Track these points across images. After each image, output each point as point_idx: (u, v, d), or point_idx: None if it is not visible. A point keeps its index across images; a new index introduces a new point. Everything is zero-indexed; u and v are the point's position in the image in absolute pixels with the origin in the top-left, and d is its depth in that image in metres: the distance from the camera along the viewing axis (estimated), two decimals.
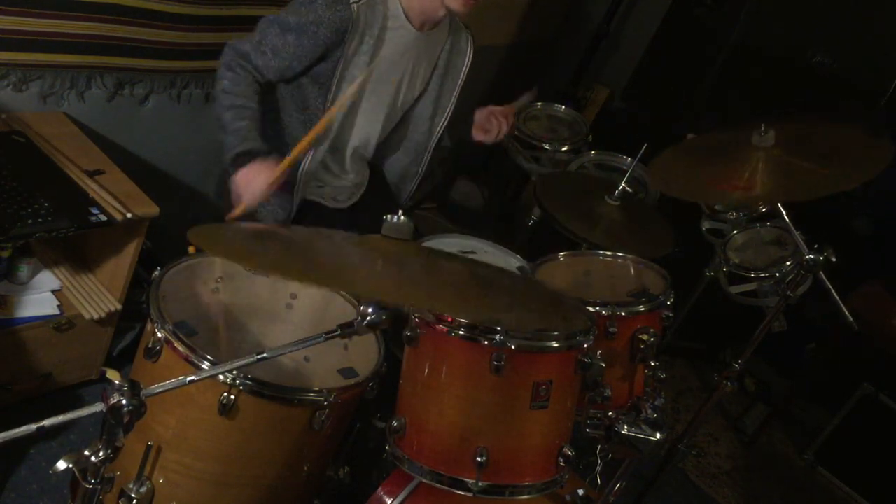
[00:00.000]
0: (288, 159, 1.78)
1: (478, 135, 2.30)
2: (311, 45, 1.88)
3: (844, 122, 1.84)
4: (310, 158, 2.03)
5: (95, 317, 2.09)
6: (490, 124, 2.25)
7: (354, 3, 1.87)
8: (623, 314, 1.81)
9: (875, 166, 1.73)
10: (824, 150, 1.88)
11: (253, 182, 1.80)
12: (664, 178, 2.03)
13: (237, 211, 1.81)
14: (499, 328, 1.46)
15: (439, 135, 2.25)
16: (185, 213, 2.56)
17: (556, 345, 1.52)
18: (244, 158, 1.83)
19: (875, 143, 1.80)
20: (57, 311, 2.08)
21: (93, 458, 1.08)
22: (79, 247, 2.25)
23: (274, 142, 1.99)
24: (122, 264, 2.14)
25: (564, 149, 3.10)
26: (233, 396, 1.40)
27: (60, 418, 1.01)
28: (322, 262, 1.30)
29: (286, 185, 1.94)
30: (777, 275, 2.42)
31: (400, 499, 1.63)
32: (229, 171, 1.85)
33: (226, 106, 1.89)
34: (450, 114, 2.23)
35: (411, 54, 2.05)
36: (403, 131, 2.23)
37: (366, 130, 2.12)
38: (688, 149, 2.11)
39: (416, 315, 1.55)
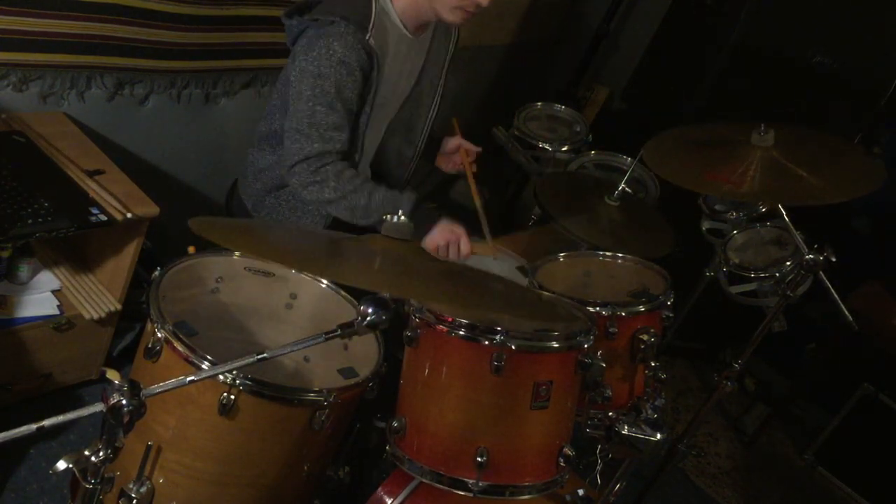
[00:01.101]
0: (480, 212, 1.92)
1: (440, 162, 2.35)
2: (353, 88, 1.87)
3: (844, 133, 1.86)
4: None
5: (95, 317, 2.09)
6: (455, 157, 2.32)
7: (369, 37, 1.86)
8: (623, 314, 1.81)
9: (867, 184, 1.75)
10: (820, 159, 1.89)
11: (457, 243, 1.91)
12: (658, 156, 2.03)
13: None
14: (499, 328, 1.46)
15: (433, 118, 2.24)
16: (185, 213, 2.56)
17: (556, 345, 1.52)
18: (417, 218, 1.80)
19: (870, 162, 1.82)
20: (57, 311, 2.08)
21: (93, 458, 1.08)
22: (79, 247, 2.25)
23: None
24: (122, 264, 2.14)
25: (564, 149, 3.09)
26: (233, 396, 1.40)
27: (60, 418, 1.01)
28: (321, 256, 1.30)
29: None
30: (777, 275, 2.41)
31: (400, 499, 1.63)
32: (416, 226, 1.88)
33: (352, 205, 1.88)
34: (440, 96, 2.23)
35: (410, 60, 2.06)
36: (397, 119, 2.23)
37: (371, 140, 2.13)
38: (687, 136, 2.12)
39: (417, 315, 1.55)
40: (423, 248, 1.82)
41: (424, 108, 2.22)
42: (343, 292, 1.79)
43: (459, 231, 1.92)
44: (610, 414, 1.71)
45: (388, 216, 1.31)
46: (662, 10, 3.69)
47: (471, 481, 1.49)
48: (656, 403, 1.58)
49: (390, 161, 2.28)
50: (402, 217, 1.29)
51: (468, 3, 1.90)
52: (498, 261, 2.17)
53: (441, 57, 2.19)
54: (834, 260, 1.89)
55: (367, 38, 1.85)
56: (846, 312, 2.03)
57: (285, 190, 2.06)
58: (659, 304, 1.87)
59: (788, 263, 2.42)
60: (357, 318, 1.24)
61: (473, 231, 2.15)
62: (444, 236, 1.90)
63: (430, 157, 2.35)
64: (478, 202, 2.16)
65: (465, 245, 1.91)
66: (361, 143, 2.00)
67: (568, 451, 1.54)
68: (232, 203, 2.22)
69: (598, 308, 1.79)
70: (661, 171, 2.02)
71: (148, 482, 1.46)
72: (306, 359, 1.85)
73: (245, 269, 1.77)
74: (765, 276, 2.45)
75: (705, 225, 2.84)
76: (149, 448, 1.43)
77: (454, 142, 2.31)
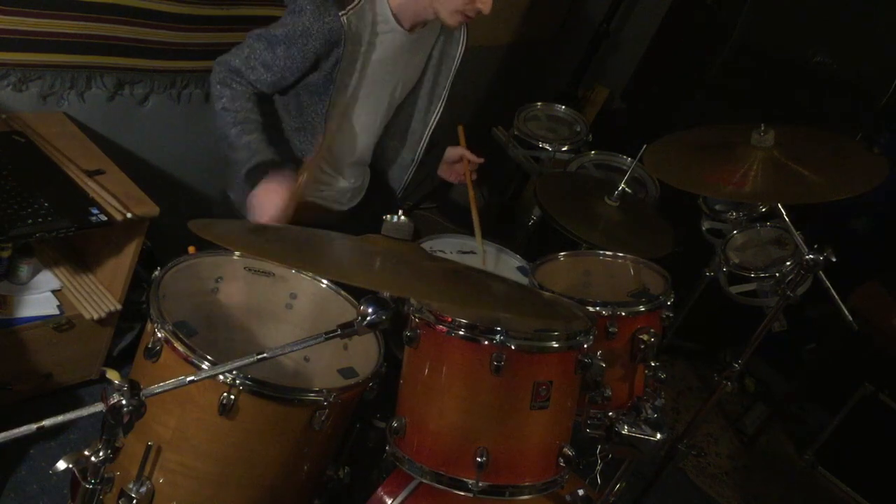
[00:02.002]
0: (300, 181, 1.78)
1: (443, 172, 2.33)
2: (301, 57, 1.87)
3: (844, 133, 1.86)
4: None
5: (95, 317, 2.09)
6: (458, 167, 2.30)
7: (343, 13, 1.86)
8: (623, 314, 1.81)
9: (869, 181, 1.75)
10: (821, 158, 1.89)
11: (271, 199, 1.79)
12: (659, 160, 2.04)
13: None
14: (499, 328, 1.46)
15: (434, 124, 2.24)
16: (185, 213, 2.56)
17: (556, 345, 1.51)
18: (258, 173, 1.81)
19: (872, 158, 1.82)
20: (57, 311, 2.08)
21: (93, 458, 1.08)
22: (79, 247, 2.25)
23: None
24: (122, 264, 2.14)
25: (564, 149, 3.10)
26: (233, 396, 1.40)
27: (60, 418, 1.01)
28: (320, 256, 1.30)
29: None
30: (777, 275, 2.41)
31: (400, 499, 1.63)
32: (243, 188, 1.84)
33: (229, 122, 1.86)
34: (444, 102, 2.22)
35: (404, 56, 2.05)
36: (398, 122, 2.22)
37: (363, 138, 2.12)
38: (687, 139, 2.12)
39: (417, 315, 1.55)
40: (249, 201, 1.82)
41: (424, 114, 2.22)
42: (343, 292, 1.79)
43: (276, 186, 1.80)
44: (610, 414, 1.70)
45: (388, 216, 1.30)
46: (662, 10, 3.69)
47: (471, 481, 1.49)
48: (656, 403, 1.58)
49: (390, 164, 2.29)
50: (402, 217, 1.29)
51: (470, 9, 1.91)
52: (498, 261, 2.18)
53: (448, 65, 2.19)
54: (834, 260, 1.89)
55: (341, 14, 1.86)
56: (846, 312, 2.03)
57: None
58: (659, 304, 1.87)
59: (788, 263, 2.42)
60: (357, 318, 1.24)
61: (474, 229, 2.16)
62: (260, 191, 1.81)
63: (432, 164, 2.34)
64: (475, 212, 2.16)
65: (276, 199, 1.79)
66: (324, 119, 1.97)
67: (568, 451, 1.54)
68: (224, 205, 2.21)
69: (598, 308, 1.79)
70: (661, 174, 2.03)
71: (148, 482, 1.46)
72: (306, 359, 1.85)
73: (245, 269, 1.77)
74: (765, 276, 2.45)
75: (705, 225, 2.84)
76: (149, 448, 1.43)
77: (457, 151, 2.29)
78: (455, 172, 2.33)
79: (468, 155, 2.28)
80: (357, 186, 2.25)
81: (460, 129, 2.33)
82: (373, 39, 1.96)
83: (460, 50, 2.20)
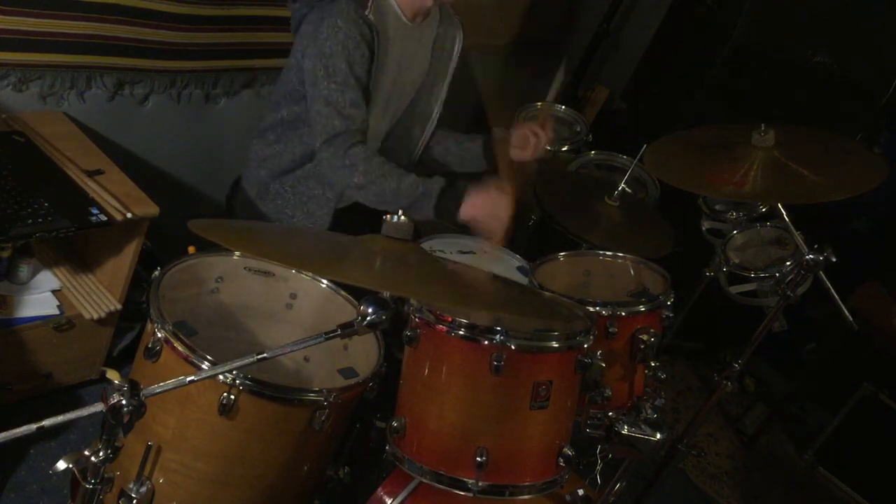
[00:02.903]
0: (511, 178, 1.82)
1: (516, 153, 2.19)
2: (364, 65, 1.88)
3: (844, 133, 1.86)
4: None
5: (95, 317, 2.09)
6: (527, 141, 2.17)
7: (368, 12, 1.88)
8: (623, 314, 1.81)
9: (870, 180, 1.75)
10: (821, 158, 1.89)
11: (496, 209, 1.83)
12: (658, 161, 2.04)
13: (496, 243, 1.86)
14: (499, 328, 1.46)
15: (433, 126, 2.23)
16: (185, 213, 2.56)
17: (556, 345, 1.51)
18: (450, 196, 1.83)
19: (872, 158, 1.82)
20: (57, 311, 2.08)
21: (93, 458, 1.08)
22: (79, 247, 2.25)
23: (301, 149, 2.02)
24: (122, 264, 2.14)
25: (564, 149, 3.10)
26: (233, 396, 1.40)
27: (60, 418, 1.01)
28: (321, 255, 1.30)
29: None
30: (777, 275, 2.41)
31: (400, 499, 1.63)
32: (438, 214, 1.87)
33: (376, 186, 1.85)
34: (443, 102, 2.22)
35: (409, 47, 2.06)
36: (401, 121, 2.22)
37: (373, 139, 2.12)
38: (687, 139, 2.12)
39: (417, 315, 1.55)
40: (465, 219, 1.83)
41: (423, 116, 2.21)
42: (343, 292, 1.79)
43: (501, 193, 1.85)
44: (610, 414, 1.70)
45: (388, 216, 1.31)
46: (662, 10, 3.69)
47: (471, 481, 1.49)
48: (656, 403, 1.58)
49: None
50: (403, 217, 1.29)
51: None
52: (498, 260, 2.17)
53: (444, 64, 2.19)
54: (834, 260, 1.89)
55: (367, 13, 1.87)
56: (846, 312, 2.03)
57: (291, 175, 2.06)
58: (659, 304, 1.87)
59: (788, 263, 2.42)
60: (357, 318, 1.24)
61: None
62: (483, 201, 1.85)
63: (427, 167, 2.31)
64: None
65: (505, 207, 1.84)
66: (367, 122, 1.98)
67: (568, 451, 1.54)
68: (234, 198, 2.21)
69: (598, 308, 1.79)
70: (662, 175, 2.03)
71: (148, 482, 1.46)
72: (306, 359, 1.85)
73: (245, 269, 1.77)
74: (765, 276, 2.45)
75: (705, 225, 2.84)
76: (149, 448, 1.43)
77: (524, 129, 2.19)
78: (526, 148, 2.16)
79: (531, 125, 2.18)
80: None
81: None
82: (389, 33, 1.97)
83: (457, 48, 2.19)
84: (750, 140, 1.93)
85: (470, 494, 1.49)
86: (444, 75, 2.20)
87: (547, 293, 1.82)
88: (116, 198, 2.02)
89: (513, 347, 1.46)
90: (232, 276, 1.77)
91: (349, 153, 1.86)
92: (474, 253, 2.14)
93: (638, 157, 2.26)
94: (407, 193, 1.86)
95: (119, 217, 1.97)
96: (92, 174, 2.08)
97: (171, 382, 1.12)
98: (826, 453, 3.19)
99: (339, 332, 1.24)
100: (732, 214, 2.69)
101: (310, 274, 1.80)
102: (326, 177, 1.96)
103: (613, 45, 3.96)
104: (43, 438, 2.07)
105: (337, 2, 1.87)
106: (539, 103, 3.31)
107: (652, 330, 1.82)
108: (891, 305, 3.10)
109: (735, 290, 2.64)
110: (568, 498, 1.66)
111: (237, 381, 1.40)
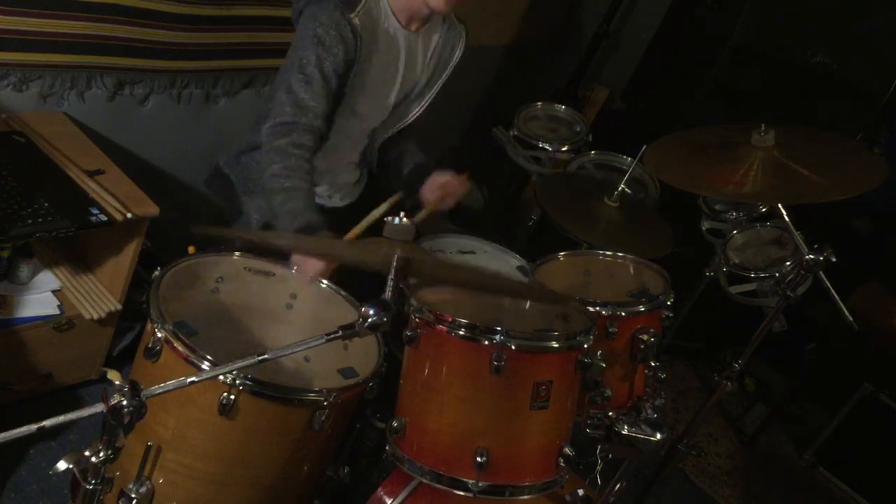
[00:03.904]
0: (343, 243, 1.76)
1: (424, 192, 2.15)
2: (335, 67, 1.87)
3: (844, 133, 1.86)
4: None
5: (95, 317, 2.09)
6: (438, 192, 2.13)
7: (355, 15, 1.86)
8: (623, 314, 1.81)
9: (870, 180, 1.75)
10: (822, 158, 1.89)
11: (310, 263, 1.78)
12: (658, 161, 2.04)
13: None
14: (499, 328, 1.46)
15: (407, 122, 2.21)
16: (185, 213, 2.56)
17: (556, 345, 1.52)
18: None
19: (872, 158, 1.82)
20: (57, 311, 2.08)
21: (93, 459, 1.08)
22: (79, 247, 2.25)
23: None
24: (122, 264, 2.14)
25: (564, 149, 3.10)
26: (233, 397, 1.40)
27: (60, 418, 1.01)
28: None
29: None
30: (777, 275, 2.41)
31: (400, 499, 1.63)
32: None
33: (274, 189, 1.84)
34: (426, 103, 2.21)
35: (403, 53, 2.05)
36: (384, 125, 2.21)
37: (362, 138, 2.12)
38: (687, 139, 2.12)
39: (417, 315, 1.55)
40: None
41: (402, 114, 2.19)
42: (343, 292, 1.79)
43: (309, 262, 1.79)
44: (610, 414, 1.70)
45: (390, 217, 1.31)
46: (662, 10, 3.69)
47: (470, 481, 1.49)
48: (656, 403, 1.58)
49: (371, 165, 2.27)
50: (404, 219, 1.29)
51: None
52: (498, 261, 2.17)
53: (440, 70, 2.17)
54: (834, 260, 1.89)
55: (352, 16, 1.86)
56: (846, 312, 2.03)
57: (258, 151, 2.04)
58: (659, 304, 1.87)
59: (788, 263, 2.42)
60: (358, 320, 1.24)
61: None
62: (299, 259, 1.80)
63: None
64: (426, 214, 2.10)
65: (314, 268, 1.78)
66: (334, 119, 1.98)
67: (568, 451, 1.54)
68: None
69: (597, 308, 1.79)
70: (662, 175, 2.03)
71: (148, 482, 1.46)
72: (306, 359, 1.85)
73: (245, 269, 1.77)
74: (765, 276, 2.45)
75: (705, 225, 2.84)
76: (149, 448, 1.43)
77: (442, 178, 2.14)
78: (434, 195, 2.13)
79: (452, 184, 2.13)
80: (353, 182, 2.25)
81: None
82: (378, 38, 1.96)
83: (456, 56, 2.18)
84: (750, 140, 1.93)
85: (470, 494, 1.49)
86: (438, 79, 2.19)
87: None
88: (116, 198, 2.02)
89: (513, 347, 1.46)
90: (232, 276, 1.77)
91: (283, 142, 1.86)
92: (475, 253, 2.14)
93: (638, 157, 2.26)
94: (278, 212, 1.84)
95: (119, 217, 1.97)
96: (92, 174, 2.08)
97: (171, 383, 1.12)
98: (826, 453, 3.19)
99: (339, 333, 1.24)
100: (732, 214, 2.69)
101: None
102: (260, 157, 1.94)
103: (613, 45, 3.96)
104: (43, 439, 2.07)
105: (327, 1, 1.86)
106: (539, 103, 3.32)
107: (652, 330, 1.82)
108: (891, 305, 3.10)
109: (735, 290, 2.64)
110: (568, 498, 1.66)
111: (237, 382, 1.40)
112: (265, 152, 1.89)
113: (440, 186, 2.13)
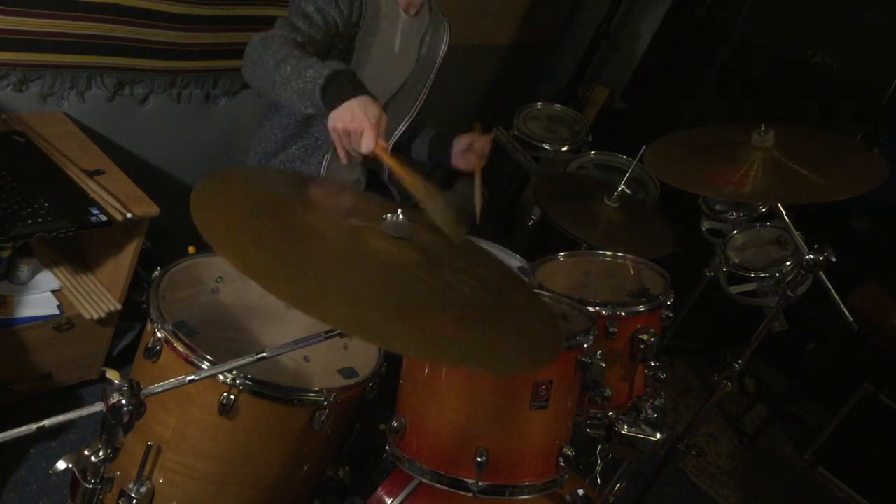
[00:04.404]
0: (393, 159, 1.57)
1: (456, 162, 2.21)
2: (341, 13, 1.82)
3: (844, 133, 1.86)
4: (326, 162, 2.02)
5: (95, 317, 2.09)
6: (469, 155, 2.18)
7: None
8: (623, 314, 1.81)
9: (870, 180, 1.75)
10: (822, 158, 1.89)
11: (357, 132, 1.53)
12: (658, 161, 2.04)
13: (342, 154, 1.59)
14: None
15: (408, 122, 2.21)
16: (185, 213, 2.56)
17: None
18: (338, 86, 1.56)
19: (872, 158, 1.82)
20: (57, 311, 2.08)
21: (93, 458, 1.08)
22: (79, 247, 2.25)
23: (282, 132, 1.98)
24: (122, 264, 2.14)
25: (564, 149, 3.10)
26: (233, 396, 1.40)
27: (60, 418, 1.01)
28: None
29: None
30: (777, 275, 2.41)
31: (400, 499, 1.63)
32: (320, 111, 1.61)
33: (281, 58, 1.62)
34: (421, 102, 2.21)
35: (400, 38, 2.06)
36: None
37: None
38: (687, 139, 2.12)
39: None
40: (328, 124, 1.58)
41: (399, 113, 2.19)
42: None
43: (364, 121, 1.53)
44: (610, 414, 1.71)
45: (388, 215, 1.30)
46: (662, 9, 3.69)
47: (470, 481, 1.49)
48: (656, 403, 1.58)
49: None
50: (402, 216, 1.29)
51: None
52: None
53: (430, 64, 2.18)
54: (834, 260, 1.89)
55: None
56: (846, 312, 2.03)
57: (276, 158, 2.05)
58: (659, 304, 1.87)
59: (788, 263, 2.42)
60: None
61: (473, 229, 2.15)
62: (345, 119, 1.54)
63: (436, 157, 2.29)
64: (478, 201, 2.13)
65: (366, 140, 1.53)
66: None
67: (567, 451, 1.54)
68: None
69: (597, 308, 1.79)
70: (662, 175, 2.03)
71: (148, 482, 1.46)
72: (306, 359, 1.85)
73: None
74: (765, 276, 2.45)
75: (705, 225, 2.83)
76: (149, 448, 1.43)
77: (465, 139, 2.18)
78: (466, 160, 2.20)
79: (477, 141, 2.17)
80: (354, 179, 2.25)
81: (476, 126, 2.24)
82: (380, 17, 1.96)
83: (443, 49, 2.18)
84: (750, 140, 1.93)
85: (470, 494, 1.49)
86: (428, 74, 2.19)
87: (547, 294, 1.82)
88: (116, 198, 2.01)
89: None
90: (232, 276, 1.77)
91: (281, 32, 1.75)
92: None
93: (638, 157, 2.26)
94: (299, 72, 1.62)
95: (119, 217, 1.97)
96: (92, 174, 2.08)
97: (171, 382, 1.12)
98: (826, 453, 3.19)
99: (339, 332, 1.24)
100: (732, 214, 2.69)
101: None
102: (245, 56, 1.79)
103: (613, 45, 3.96)
104: (43, 438, 2.07)
105: None
106: (539, 103, 3.31)
107: (652, 330, 1.82)
108: (891, 305, 3.10)
109: (735, 290, 2.64)
110: (568, 498, 1.66)
111: (237, 381, 1.40)
112: (259, 40, 1.72)
113: (469, 150, 2.13)
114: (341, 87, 1.57)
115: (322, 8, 1.82)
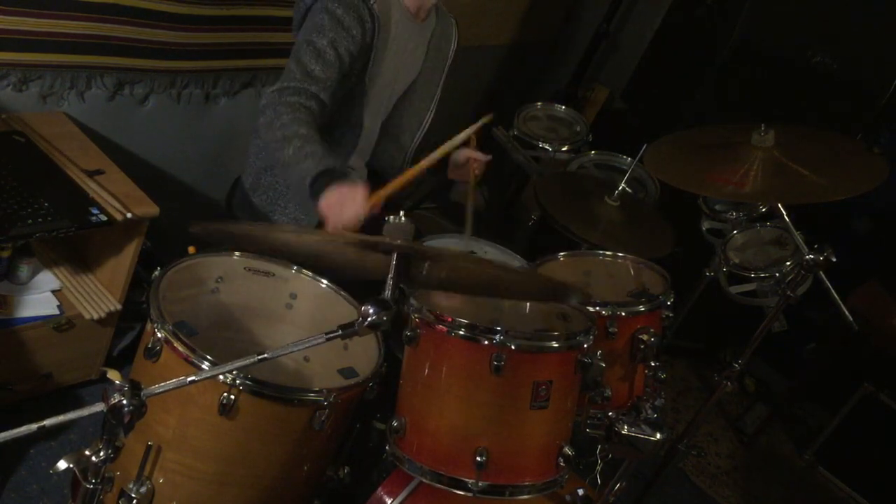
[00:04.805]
0: (388, 188, 1.73)
1: (452, 173, 2.21)
2: (350, 49, 1.85)
3: (844, 133, 1.86)
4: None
5: (95, 317, 2.09)
6: (466, 168, 2.17)
7: (374, 1, 1.88)
8: (623, 314, 1.81)
9: (870, 180, 1.75)
10: (822, 158, 1.89)
11: (345, 207, 1.66)
12: (658, 161, 2.04)
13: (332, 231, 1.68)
14: (499, 328, 1.46)
15: (427, 125, 2.22)
16: (185, 213, 2.56)
17: (556, 345, 1.52)
18: (324, 181, 1.69)
19: (872, 158, 1.83)
20: (57, 311, 2.08)
21: (93, 458, 1.08)
22: (79, 247, 2.25)
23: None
24: (122, 264, 2.14)
25: (564, 149, 3.10)
26: (233, 396, 1.40)
27: (61, 418, 1.01)
28: None
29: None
30: (777, 275, 2.41)
31: (400, 499, 1.63)
32: (306, 201, 1.74)
33: (287, 137, 1.74)
34: (436, 102, 2.21)
35: (408, 46, 2.06)
36: (391, 119, 2.21)
37: (367, 134, 2.11)
38: (687, 139, 2.12)
39: (416, 315, 1.55)
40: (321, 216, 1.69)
41: (417, 115, 2.19)
42: (343, 292, 1.79)
43: (349, 190, 1.66)
44: (610, 414, 1.70)
45: (390, 217, 1.31)
46: (662, 10, 3.69)
47: (470, 481, 1.49)
48: (656, 403, 1.58)
49: (382, 164, 2.26)
50: (403, 218, 1.29)
51: None
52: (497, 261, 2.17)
53: (440, 64, 2.18)
54: (834, 260, 1.89)
55: (371, 2, 1.87)
56: (846, 312, 2.03)
57: (281, 168, 2.03)
58: (659, 304, 1.87)
59: (788, 263, 2.42)
60: (358, 319, 1.24)
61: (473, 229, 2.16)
62: (331, 198, 1.67)
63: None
64: (469, 205, 2.12)
65: (358, 198, 1.65)
66: (360, 118, 1.97)
67: (568, 450, 1.54)
68: (233, 195, 2.18)
69: (597, 308, 1.79)
70: (662, 175, 2.03)
71: (148, 482, 1.46)
72: (306, 359, 1.85)
73: (245, 269, 1.77)
74: (765, 276, 2.45)
75: (705, 225, 2.84)
76: (149, 448, 1.43)
77: (463, 153, 2.18)
78: (464, 173, 2.21)
79: (474, 156, 2.17)
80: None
81: (472, 138, 2.25)
82: (391, 26, 1.97)
83: (452, 48, 2.19)
84: (750, 140, 1.94)
85: (470, 494, 1.49)
86: (440, 74, 2.20)
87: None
88: (116, 198, 2.02)
89: (513, 347, 1.47)
90: (232, 276, 1.77)
91: (292, 99, 1.80)
92: (475, 253, 2.14)
93: (638, 157, 2.26)
94: (298, 159, 1.73)
95: (119, 217, 1.97)
96: (92, 174, 2.08)
97: (171, 382, 1.12)
98: (826, 453, 3.19)
99: (339, 332, 1.24)
100: (732, 214, 2.69)
101: (310, 274, 1.80)
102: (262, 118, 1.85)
103: (613, 45, 3.96)
104: (43, 438, 2.07)
105: None
106: (539, 103, 3.32)
107: (652, 330, 1.82)
108: (891, 305, 3.10)
109: (735, 290, 2.64)
110: (568, 498, 1.66)
111: (237, 381, 1.40)
112: (270, 106, 1.80)
113: (467, 162, 2.14)
114: (330, 181, 1.69)
115: (335, 40, 1.83)
